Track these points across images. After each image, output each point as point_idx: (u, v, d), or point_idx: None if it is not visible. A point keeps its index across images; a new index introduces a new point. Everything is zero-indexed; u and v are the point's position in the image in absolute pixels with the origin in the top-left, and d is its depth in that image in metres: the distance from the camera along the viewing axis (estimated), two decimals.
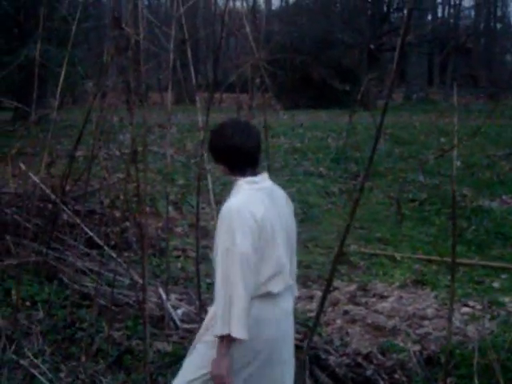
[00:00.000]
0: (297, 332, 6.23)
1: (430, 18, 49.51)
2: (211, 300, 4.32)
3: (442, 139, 18.63)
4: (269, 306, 4.05)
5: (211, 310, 4.16)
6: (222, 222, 3.90)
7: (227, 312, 3.79)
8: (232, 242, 3.82)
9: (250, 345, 3.95)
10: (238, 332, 3.79)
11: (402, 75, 52.20)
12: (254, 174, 4.13)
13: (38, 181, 7.83)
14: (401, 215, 12.27)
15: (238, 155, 4.09)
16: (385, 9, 38.93)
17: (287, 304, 4.22)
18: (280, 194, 4.30)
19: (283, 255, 4.10)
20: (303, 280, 8.46)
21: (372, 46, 35.19)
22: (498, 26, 55.40)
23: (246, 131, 4.13)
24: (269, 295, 4.02)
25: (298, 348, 5.91)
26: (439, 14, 55.46)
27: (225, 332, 3.79)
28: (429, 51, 47.27)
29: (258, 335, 3.99)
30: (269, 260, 3.97)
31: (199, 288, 6.40)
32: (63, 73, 7.52)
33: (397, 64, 5.27)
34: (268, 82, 6.06)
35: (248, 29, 6.05)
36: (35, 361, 5.87)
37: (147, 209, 6.51)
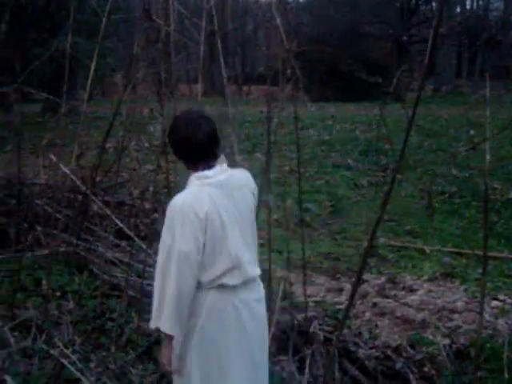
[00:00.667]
0: (326, 325, 6.26)
1: (458, 10, 49.10)
2: None
3: (472, 132, 18.47)
4: (225, 296, 4.02)
5: None
6: (166, 217, 3.89)
7: (159, 306, 3.86)
8: (172, 239, 3.82)
9: (210, 332, 3.99)
10: (167, 328, 3.85)
11: (432, 67, 51.98)
12: (209, 167, 4.04)
13: (68, 172, 7.86)
14: (432, 209, 12.21)
15: (188, 148, 4.03)
16: (414, 1, 38.68)
17: (249, 294, 4.15)
18: (238, 184, 4.18)
19: (239, 249, 4.05)
20: (332, 272, 8.46)
21: (405, 38, 34.99)
22: None
23: (197, 123, 4.02)
24: (225, 287, 4.00)
25: (327, 340, 5.92)
26: (468, 6, 55.05)
27: (157, 325, 3.88)
28: (458, 43, 46.98)
29: (218, 322, 4.01)
30: (221, 254, 3.95)
31: None
32: (93, 65, 7.54)
33: (429, 56, 5.19)
34: (299, 73, 6.03)
35: (278, 20, 6.02)
36: (65, 351, 5.89)
37: None
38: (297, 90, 6.20)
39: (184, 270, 3.80)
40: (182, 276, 3.80)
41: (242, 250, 4.08)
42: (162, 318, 3.83)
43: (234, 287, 4.02)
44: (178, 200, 3.90)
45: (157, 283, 3.89)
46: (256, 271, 4.23)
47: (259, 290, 4.26)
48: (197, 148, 4.01)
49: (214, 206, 3.92)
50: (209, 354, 4.01)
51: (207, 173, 4.00)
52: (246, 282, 4.11)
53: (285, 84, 6.03)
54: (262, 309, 4.28)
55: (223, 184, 4.05)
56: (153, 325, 3.90)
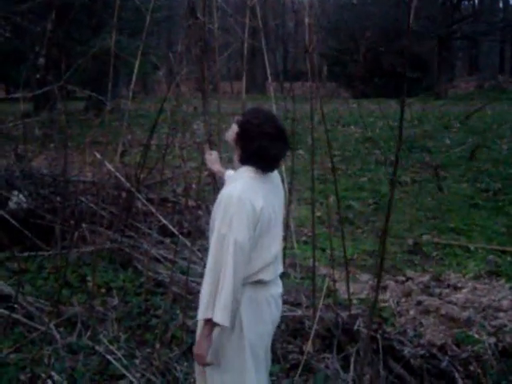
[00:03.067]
0: (372, 322, 6.23)
1: (501, 5, 48.65)
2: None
3: None
4: (260, 291, 4.05)
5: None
6: (221, 207, 3.87)
7: (212, 297, 3.81)
8: (228, 228, 3.80)
9: (249, 325, 4.01)
10: (220, 318, 3.80)
11: (474, 63, 51.57)
12: (272, 168, 4.13)
13: (112, 169, 7.93)
14: (440, 185, 12.16)
15: (266, 159, 4.03)
16: None
17: (277, 289, 4.23)
18: (278, 181, 4.29)
19: (278, 245, 4.13)
20: (376, 270, 8.42)
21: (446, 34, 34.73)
22: None
23: (286, 141, 4.09)
24: (260, 282, 4.03)
25: (371, 338, 5.89)
26: (511, 2, 54.48)
27: (208, 316, 3.82)
28: (500, 39, 46.51)
29: (255, 315, 4.05)
30: (262, 251, 3.97)
31: None
32: (137, 63, 7.58)
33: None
34: (327, 72, 6.01)
35: (306, 19, 5.99)
36: (110, 347, 5.93)
37: None
38: (318, 86, 6.18)
39: (239, 260, 3.80)
40: (238, 266, 3.80)
41: (278, 246, 4.15)
42: (216, 309, 3.79)
43: (267, 282, 4.07)
44: (236, 191, 3.89)
45: (209, 273, 3.85)
46: (281, 267, 4.31)
47: (281, 285, 4.32)
48: (273, 162, 4.08)
49: (266, 202, 3.95)
50: (253, 345, 4.06)
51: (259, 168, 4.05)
52: (276, 278, 4.20)
53: (324, 81, 6.01)
54: (281, 303, 4.36)
55: (271, 180, 4.12)
56: (202, 316, 3.85)
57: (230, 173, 4.70)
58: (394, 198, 5.49)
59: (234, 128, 4.09)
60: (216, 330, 3.93)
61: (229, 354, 4.02)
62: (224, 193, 3.95)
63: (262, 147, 3.97)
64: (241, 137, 4.05)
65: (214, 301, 3.81)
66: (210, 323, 3.84)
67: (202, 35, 5.85)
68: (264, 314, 4.10)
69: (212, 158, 5.16)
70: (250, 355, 4.05)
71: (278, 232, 4.15)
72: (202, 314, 3.86)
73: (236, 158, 4.13)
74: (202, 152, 5.60)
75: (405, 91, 4.95)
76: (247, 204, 3.84)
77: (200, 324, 4.08)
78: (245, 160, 4.06)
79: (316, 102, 6.09)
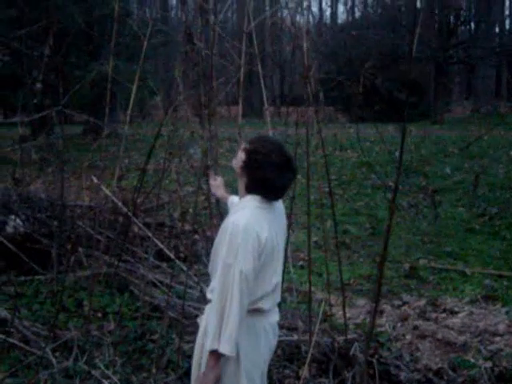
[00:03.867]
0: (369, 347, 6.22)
1: (497, 30, 48.88)
2: None
3: None
4: (259, 319, 4.05)
5: (203, 323, 4.17)
6: (227, 236, 3.86)
7: (219, 327, 3.80)
8: (234, 258, 3.80)
9: (246, 353, 3.99)
10: (226, 348, 3.79)
11: (470, 88, 51.77)
12: (277, 198, 4.16)
13: (109, 194, 7.94)
14: (436, 208, 12.19)
15: (273, 189, 4.04)
16: (452, 21, 38.56)
17: (275, 317, 4.22)
18: (281, 209, 4.28)
19: (279, 275, 4.12)
20: (372, 294, 8.42)
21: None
22: None
23: (294, 171, 4.10)
24: (259, 310, 4.03)
25: (368, 363, 5.88)
26: (507, 26, 54.78)
27: (214, 347, 3.80)
28: (497, 64, 46.70)
29: (253, 344, 4.04)
30: (263, 280, 3.97)
31: None
32: (134, 88, 7.62)
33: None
34: (324, 97, 6.06)
35: (304, 45, 6.05)
36: (106, 372, 5.92)
37: (216, 222, 6.54)
38: (318, 113, 6.22)
39: (244, 290, 3.81)
40: (243, 296, 3.80)
41: (279, 277, 4.14)
42: (223, 340, 3.79)
43: (265, 311, 4.07)
44: (241, 221, 3.87)
45: (216, 304, 3.84)
46: (280, 296, 4.28)
47: (278, 313, 4.30)
48: (280, 192, 4.09)
49: (270, 232, 3.96)
50: (248, 372, 4.04)
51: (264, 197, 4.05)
52: (275, 306, 4.19)
53: (315, 107, 6.06)
54: (278, 330, 4.35)
55: (275, 209, 4.13)
56: (210, 347, 3.82)
57: (233, 199, 4.74)
58: (392, 223, 5.50)
59: (241, 156, 4.08)
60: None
61: (225, 381, 4.00)
62: (230, 221, 3.94)
63: (269, 177, 3.97)
64: (248, 165, 4.04)
65: (220, 332, 3.80)
66: (216, 354, 3.83)
67: (198, 61, 5.89)
68: (261, 342, 4.09)
69: (216, 184, 5.17)
70: (245, 382, 4.03)
71: (280, 262, 4.14)
72: (209, 346, 3.83)
73: (241, 186, 4.11)
74: (207, 176, 5.62)
75: (405, 117, 4.98)
76: (253, 234, 3.84)
77: (198, 352, 4.11)
78: (251, 189, 4.05)
79: (312, 127, 6.13)
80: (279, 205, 4.24)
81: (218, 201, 5.52)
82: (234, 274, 3.78)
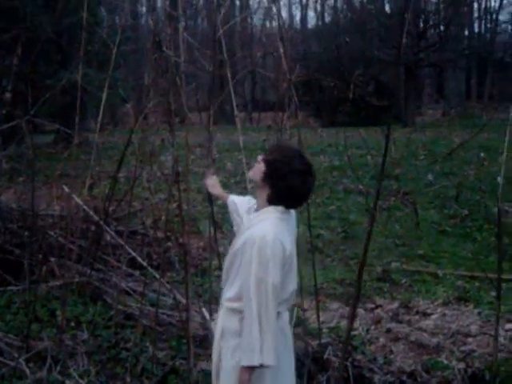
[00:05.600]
0: (340, 351, 6.25)
1: (466, 33, 49.35)
2: None
3: (482, 154, 18.48)
4: (277, 322, 4.02)
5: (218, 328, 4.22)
6: (254, 250, 3.87)
7: (260, 342, 3.81)
8: (265, 272, 3.83)
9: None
10: (270, 359, 3.82)
11: (440, 91, 52.16)
12: (296, 206, 4.20)
13: (80, 202, 7.92)
14: (418, 221, 12.26)
15: (298, 197, 4.08)
16: (421, 25, 38.83)
17: (287, 317, 4.26)
18: (294, 216, 4.29)
19: (295, 283, 4.17)
20: (345, 298, 8.45)
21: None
22: None
23: (314, 176, 4.13)
24: (277, 314, 4.03)
25: (341, 366, 5.91)
26: (476, 29, 55.27)
27: (258, 362, 3.81)
28: (466, 66, 47.10)
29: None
30: (284, 288, 4.00)
31: None
32: (104, 95, 7.61)
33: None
34: (298, 101, 6.09)
35: (281, 49, 6.08)
36: (81, 381, 5.91)
37: (189, 229, 6.54)
38: (298, 117, 6.26)
39: (276, 301, 3.87)
40: (275, 308, 3.87)
41: (296, 284, 4.18)
42: (265, 352, 3.81)
43: (282, 313, 4.11)
44: (269, 234, 3.88)
45: (254, 319, 3.83)
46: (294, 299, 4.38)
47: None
48: (302, 200, 4.15)
49: (291, 242, 4.03)
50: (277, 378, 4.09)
51: (284, 208, 4.08)
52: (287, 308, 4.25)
53: (288, 112, 6.09)
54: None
55: (291, 218, 4.19)
56: (258, 362, 3.81)
57: (234, 199, 4.80)
58: (372, 230, 5.57)
59: (261, 167, 4.08)
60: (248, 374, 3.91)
61: None
62: (256, 234, 3.92)
63: (293, 185, 3.99)
64: (270, 176, 4.04)
65: (262, 346, 3.81)
66: (251, 368, 3.86)
67: (168, 68, 5.90)
68: (282, 344, 4.11)
69: (212, 183, 5.20)
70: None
71: (296, 269, 4.16)
72: (256, 360, 3.82)
73: (262, 197, 4.11)
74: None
75: (389, 122, 5.04)
76: (280, 246, 3.88)
77: (216, 356, 4.18)
78: (275, 199, 4.05)
79: (285, 132, 6.15)
80: (293, 212, 4.26)
81: (211, 201, 5.53)
82: (266, 288, 3.82)
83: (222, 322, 4.16)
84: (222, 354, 4.14)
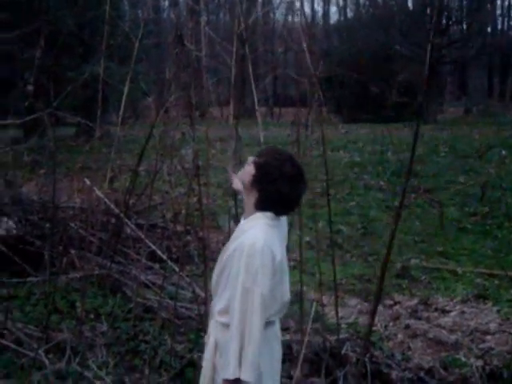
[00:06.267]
0: (358, 347, 6.25)
1: (489, 30, 49.06)
2: None
3: (503, 152, 18.40)
4: (270, 329, 3.91)
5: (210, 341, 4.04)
6: (243, 259, 3.70)
7: (239, 354, 3.66)
8: (253, 282, 3.66)
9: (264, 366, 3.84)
10: (248, 376, 3.65)
11: (463, 88, 51.90)
12: (286, 213, 4.03)
13: (101, 195, 7.96)
14: (443, 222, 12.18)
15: (287, 203, 3.89)
16: (444, 22, 38.64)
17: (278, 325, 4.10)
18: (284, 221, 4.11)
19: (288, 292, 4.00)
20: (364, 294, 8.45)
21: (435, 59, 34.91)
22: None
23: (305, 182, 3.93)
24: (270, 323, 3.90)
25: (359, 362, 5.91)
26: (499, 26, 54.95)
27: (236, 376, 3.65)
28: (488, 64, 46.82)
29: (268, 355, 3.93)
30: (275, 298, 3.85)
31: None
32: (126, 89, 7.63)
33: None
34: (323, 97, 6.08)
35: (304, 45, 6.06)
36: (99, 373, 5.94)
37: (209, 223, 6.55)
38: (322, 113, 6.25)
39: (263, 313, 3.69)
40: (262, 319, 3.70)
41: (289, 293, 4.02)
42: (244, 367, 3.65)
43: (274, 322, 3.98)
44: (258, 241, 3.71)
45: (236, 330, 3.68)
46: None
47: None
48: (292, 206, 3.95)
49: (281, 250, 3.87)
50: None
51: (273, 214, 3.88)
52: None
53: (312, 108, 6.08)
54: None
55: (282, 224, 4.02)
56: (233, 375, 3.65)
57: None
58: (397, 228, 5.55)
59: (250, 170, 3.89)
60: None
61: None
62: (245, 243, 3.74)
63: (283, 190, 3.80)
64: (259, 179, 3.85)
65: (241, 359, 3.66)
66: (232, 381, 3.69)
67: (189, 62, 5.91)
68: (275, 352, 4.03)
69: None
70: None
71: (288, 277, 4.01)
72: (231, 374, 3.66)
73: (250, 202, 3.92)
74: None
75: (418, 120, 5.02)
76: (269, 255, 3.70)
77: (209, 370, 3.99)
78: (263, 204, 3.86)
79: (307, 128, 6.15)
80: (284, 219, 4.10)
81: (235, 197, 5.47)
82: (253, 299, 3.66)
83: (215, 336, 3.97)
84: (218, 370, 3.92)
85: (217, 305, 3.96)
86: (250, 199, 3.92)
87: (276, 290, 3.82)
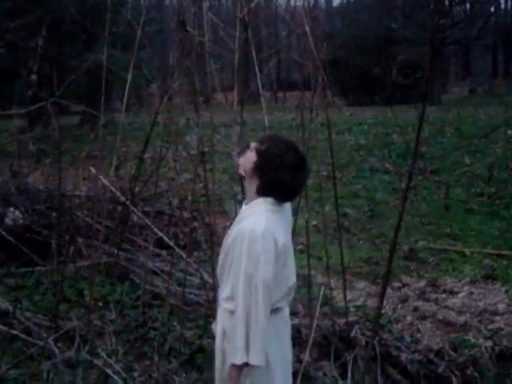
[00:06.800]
0: (367, 329, 6.27)
1: (492, 9, 48.80)
2: None
3: (509, 132, 18.33)
4: (278, 316, 3.93)
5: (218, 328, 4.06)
6: (244, 245, 3.70)
7: (247, 339, 3.67)
8: (255, 267, 3.66)
9: (273, 353, 3.87)
10: (256, 359, 3.68)
11: (467, 68, 51.75)
12: (289, 199, 4.01)
13: (107, 183, 7.95)
14: (449, 203, 12.17)
15: (287, 191, 3.88)
16: (447, 2, 38.46)
17: (287, 310, 4.11)
18: (288, 207, 4.09)
19: (294, 277, 4.00)
20: (372, 277, 8.45)
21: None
22: None
23: (307, 170, 3.94)
24: (278, 309, 3.92)
25: (368, 344, 5.92)
26: (502, 6, 54.73)
27: (244, 361, 3.67)
28: (492, 44, 46.66)
29: (277, 342, 3.94)
30: (281, 283, 3.85)
31: None
32: (130, 76, 7.61)
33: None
34: (327, 80, 6.06)
35: (307, 28, 6.04)
36: (109, 360, 5.94)
37: (215, 208, 6.55)
38: (326, 96, 6.23)
39: (267, 298, 3.69)
40: (267, 304, 3.69)
41: (294, 278, 4.02)
42: (252, 351, 3.67)
43: (282, 308, 3.99)
44: (259, 226, 3.71)
45: (241, 316, 3.69)
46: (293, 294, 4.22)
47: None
48: (294, 194, 3.94)
49: (285, 235, 3.86)
50: (280, 374, 3.96)
51: (274, 200, 3.87)
52: (288, 303, 4.11)
53: (316, 91, 6.07)
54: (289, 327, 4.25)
55: (285, 209, 4.00)
56: (240, 360, 3.67)
57: None
58: (404, 211, 5.55)
59: (251, 157, 3.88)
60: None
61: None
62: (246, 228, 3.75)
63: (283, 179, 3.80)
64: (260, 167, 3.84)
65: (249, 344, 3.67)
66: (240, 366, 3.71)
67: (192, 48, 5.89)
68: (285, 338, 4.04)
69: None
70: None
71: (293, 261, 4.01)
72: (239, 360, 3.68)
73: (251, 188, 3.91)
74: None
75: (425, 102, 5.01)
76: (271, 240, 3.69)
77: (220, 358, 4.01)
78: (263, 191, 3.86)
79: (311, 111, 6.14)
80: (288, 209, 4.09)
81: (242, 182, 5.47)
82: (256, 284, 3.66)
83: (222, 323, 3.98)
84: (226, 357, 3.92)
85: (223, 292, 3.96)
86: (251, 185, 3.92)
87: (281, 275, 3.81)
